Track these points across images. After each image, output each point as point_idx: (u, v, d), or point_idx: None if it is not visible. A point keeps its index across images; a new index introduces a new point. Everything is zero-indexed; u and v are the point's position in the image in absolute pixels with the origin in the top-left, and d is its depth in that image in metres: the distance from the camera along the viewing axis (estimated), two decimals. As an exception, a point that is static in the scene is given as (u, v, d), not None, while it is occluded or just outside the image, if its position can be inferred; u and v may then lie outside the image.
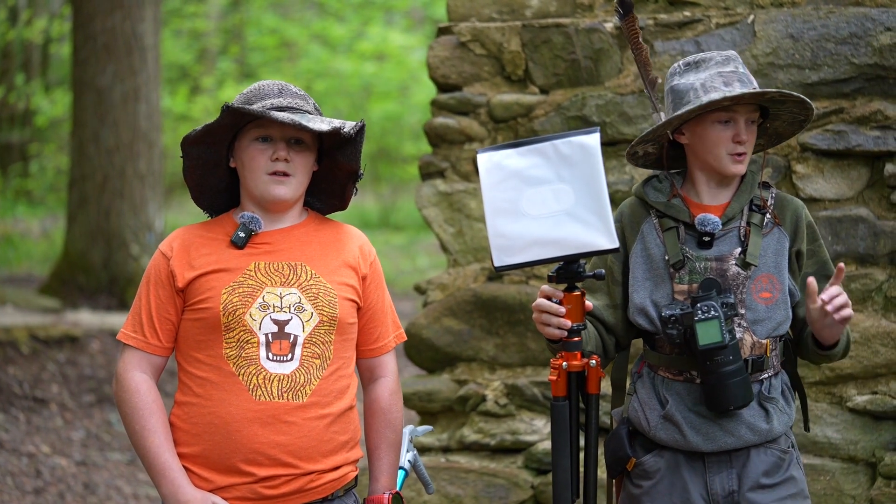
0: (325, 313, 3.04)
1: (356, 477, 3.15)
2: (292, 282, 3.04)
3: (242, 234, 3.06)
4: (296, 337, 3.01)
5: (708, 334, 3.05)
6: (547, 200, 3.01)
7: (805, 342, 3.23)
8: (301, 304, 3.03)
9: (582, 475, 3.18)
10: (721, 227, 3.16)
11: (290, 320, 3.01)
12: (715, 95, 3.11)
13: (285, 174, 3.05)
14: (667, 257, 3.18)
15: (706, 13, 4.60)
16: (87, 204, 10.73)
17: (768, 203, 3.23)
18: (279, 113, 2.98)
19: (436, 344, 4.85)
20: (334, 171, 3.17)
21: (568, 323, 3.05)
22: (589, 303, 3.10)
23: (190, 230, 3.13)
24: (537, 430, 4.72)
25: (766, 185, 3.27)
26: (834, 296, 3.04)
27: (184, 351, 3.07)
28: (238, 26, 21.13)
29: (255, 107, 3.01)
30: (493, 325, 4.79)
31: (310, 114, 3.06)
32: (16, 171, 18.53)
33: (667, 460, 3.20)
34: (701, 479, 3.17)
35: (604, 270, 3.15)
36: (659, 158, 3.31)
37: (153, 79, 10.87)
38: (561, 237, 3.00)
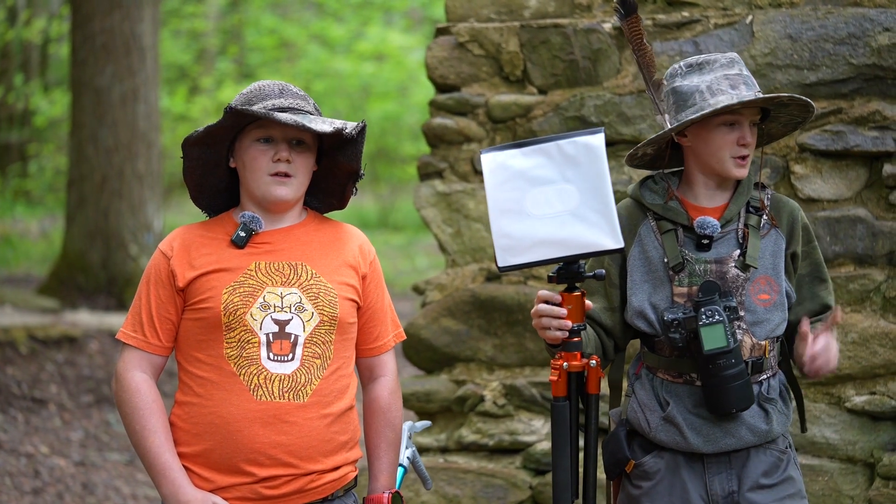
0: (325, 313, 3.04)
1: (356, 477, 3.15)
2: (293, 281, 3.04)
3: (243, 234, 3.06)
4: (296, 337, 3.01)
5: (713, 339, 3.05)
6: (551, 200, 3.00)
7: (793, 354, 3.25)
8: (302, 304, 3.03)
9: (581, 475, 3.18)
10: (720, 229, 3.16)
11: (290, 320, 3.01)
12: (724, 98, 3.09)
13: (287, 175, 3.05)
14: (666, 260, 3.18)
15: (704, 13, 4.60)
16: (85, 204, 10.72)
17: (765, 204, 3.23)
18: (282, 114, 2.98)
19: (434, 344, 4.85)
20: (334, 171, 3.17)
21: (569, 324, 3.04)
22: (589, 303, 3.10)
23: (190, 230, 3.13)
24: (535, 430, 4.72)
25: (761, 187, 3.27)
26: (816, 356, 3.11)
27: (184, 350, 3.07)
28: (237, 26, 21.11)
29: (256, 107, 3.01)
30: (491, 326, 4.78)
31: (311, 114, 3.06)
32: (14, 171, 18.52)
33: (666, 461, 3.20)
34: (700, 480, 3.17)
35: (604, 271, 3.14)
36: (654, 159, 3.30)
37: (152, 79, 10.87)
38: (565, 237, 2.99)
